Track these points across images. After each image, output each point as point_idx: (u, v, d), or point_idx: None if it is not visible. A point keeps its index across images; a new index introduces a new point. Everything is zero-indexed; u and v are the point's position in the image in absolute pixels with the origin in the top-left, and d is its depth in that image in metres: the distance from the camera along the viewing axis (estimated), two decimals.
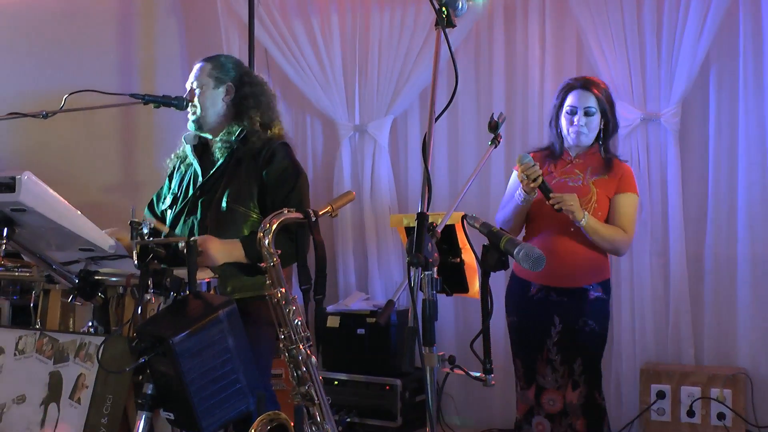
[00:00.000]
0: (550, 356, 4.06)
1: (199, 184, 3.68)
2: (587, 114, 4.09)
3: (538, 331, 4.10)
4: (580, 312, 4.05)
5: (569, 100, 4.14)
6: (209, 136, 3.75)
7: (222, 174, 3.63)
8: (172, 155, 3.89)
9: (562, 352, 4.05)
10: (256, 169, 3.62)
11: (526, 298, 4.15)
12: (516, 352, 4.22)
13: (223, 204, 3.57)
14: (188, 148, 3.78)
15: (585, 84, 4.15)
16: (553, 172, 4.14)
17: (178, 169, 3.84)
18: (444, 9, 2.54)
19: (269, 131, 3.73)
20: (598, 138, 4.15)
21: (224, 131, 3.68)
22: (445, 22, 2.54)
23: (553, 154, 4.21)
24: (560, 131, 4.18)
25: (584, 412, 4.04)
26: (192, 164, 3.76)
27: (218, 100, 3.73)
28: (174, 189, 3.80)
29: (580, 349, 4.05)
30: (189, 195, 3.69)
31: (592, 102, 4.09)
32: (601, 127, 4.12)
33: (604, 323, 4.12)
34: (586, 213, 3.97)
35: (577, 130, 4.10)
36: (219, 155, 3.66)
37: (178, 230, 3.65)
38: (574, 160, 4.16)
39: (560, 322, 4.05)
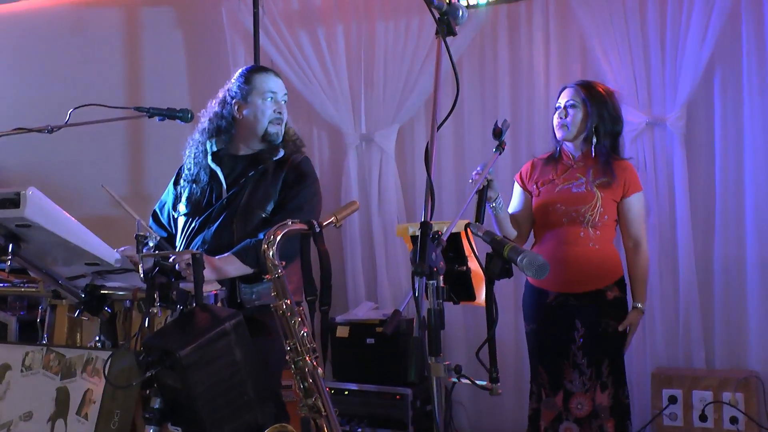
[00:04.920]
0: (577, 360, 4.04)
1: (224, 192, 3.69)
2: (567, 107, 4.13)
3: (561, 337, 4.09)
4: (601, 314, 4.04)
5: (559, 99, 4.22)
6: (242, 144, 3.79)
7: (249, 182, 3.67)
8: (186, 164, 3.88)
9: (588, 355, 4.03)
10: (279, 177, 3.68)
11: (545, 306, 4.15)
12: (539, 360, 4.20)
13: (249, 211, 3.61)
14: (209, 157, 3.78)
15: (575, 82, 4.23)
16: (555, 179, 4.16)
17: (192, 176, 3.82)
18: (444, 17, 2.53)
19: (294, 144, 3.83)
20: (591, 138, 4.13)
21: (264, 142, 3.77)
22: (445, 31, 2.54)
23: (552, 157, 4.23)
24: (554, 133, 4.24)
25: (612, 412, 4.03)
26: (212, 173, 3.77)
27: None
28: (193, 196, 3.78)
29: (606, 350, 4.05)
30: (216, 203, 3.70)
31: (573, 96, 4.14)
32: (592, 126, 4.11)
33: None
34: (641, 305, 4.12)
35: (559, 123, 4.15)
36: (247, 162, 3.72)
37: (200, 238, 3.66)
38: (575, 163, 4.17)
39: (582, 326, 4.04)
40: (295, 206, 3.60)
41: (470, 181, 3.95)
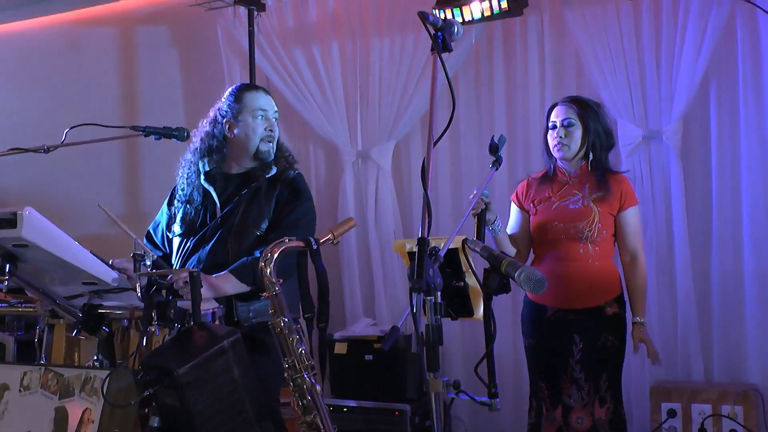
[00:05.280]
0: (575, 375, 4.03)
1: (218, 211, 3.69)
2: (566, 126, 4.09)
3: (559, 351, 4.07)
4: (600, 329, 4.02)
5: (552, 117, 4.18)
6: (254, 165, 3.77)
7: (243, 200, 3.67)
8: (180, 184, 3.87)
9: (586, 370, 4.01)
10: (273, 194, 3.67)
11: (543, 321, 4.14)
12: (538, 374, 4.19)
13: (244, 228, 3.61)
14: (202, 177, 3.78)
15: (566, 99, 4.20)
16: (552, 197, 4.14)
17: (185, 197, 3.82)
18: (439, 34, 2.53)
19: (286, 160, 3.82)
20: (588, 154, 4.13)
21: (256, 159, 3.75)
22: (440, 47, 2.54)
23: (547, 176, 4.22)
24: (549, 151, 4.20)
25: (612, 426, 4.00)
26: (205, 192, 3.76)
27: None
28: (187, 217, 3.78)
29: (604, 364, 4.02)
30: (210, 222, 3.69)
31: (571, 114, 4.10)
32: (590, 143, 4.10)
33: (623, 336, 4.09)
34: (640, 319, 4.10)
35: (558, 142, 4.11)
36: (240, 180, 3.71)
37: (195, 258, 3.66)
38: (570, 179, 4.15)
39: (581, 340, 4.02)
40: (289, 224, 3.60)
41: (470, 197, 3.97)
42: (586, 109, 4.12)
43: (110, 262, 3.24)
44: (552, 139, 4.15)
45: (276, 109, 3.82)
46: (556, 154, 4.15)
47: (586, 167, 4.14)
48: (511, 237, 4.27)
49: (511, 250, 4.23)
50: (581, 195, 4.09)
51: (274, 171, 3.74)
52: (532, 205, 4.22)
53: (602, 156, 4.14)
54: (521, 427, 5.61)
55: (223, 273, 3.44)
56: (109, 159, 6.98)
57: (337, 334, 5.70)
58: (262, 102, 3.76)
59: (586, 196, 4.08)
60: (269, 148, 3.74)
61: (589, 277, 4.04)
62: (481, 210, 3.94)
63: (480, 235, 3.88)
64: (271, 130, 3.74)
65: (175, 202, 3.86)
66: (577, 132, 4.10)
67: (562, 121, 4.11)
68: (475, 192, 3.82)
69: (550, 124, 4.18)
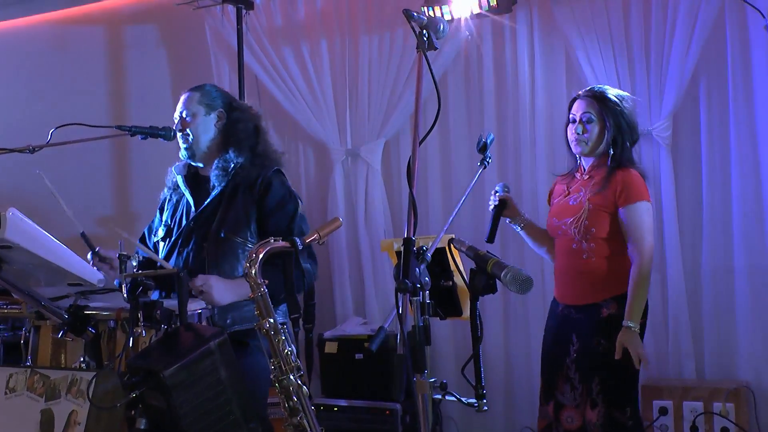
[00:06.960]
0: (569, 374, 3.95)
1: (192, 215, 3.66)
2: (584, 121, 3.97)
3: (558, 348, 4.02)
4: (593, 331, 3.90)
5: (572, 110, 4.07)
6: (201, 165, 3.73)
7: (218, 204, 3.62)
8: (165, 189, 3.87)
9: (581, 371, 3.93)
10: (252, 199, 3.60)
11: (554, 316, 4.12)
12: (541, 367, 4.15)
13: (221, 234, 3.56)
14: (179, 179, 3.76)
15: (587, 93, 4.06)
16: (564, 193, 4.10)
17: (169, 200, 3.82)
18: (425, 32, 2.52)
19: (264, 158, 3.74)
20: (608, 149, 3.99)
21: (220, 159, 3.68)
22: (426, 45, 2.52)
23: (570, 171, 4.18)
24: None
25: (604, 431, 3.90)
26: (184, 195, 3.75)
27: (210, 127, 3.73)
28: (167, 221, 3.78)
29: (596, 368, 3.90)
30: (183, 226, 3.66)
31: (590, 109, 3.97)
32: (610, 139, 3.95)
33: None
34: (630, 323, 3.79)
35: (575, 138, 3.99)
36: (216, 183, 3.65)
37: (172, 262, 3.62)
38: (584, 175, 4.06)
39: (577, 340, 3.95)
40: (280, 233, 3.52)
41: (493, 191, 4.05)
42: (606, 104, 3.97)
43: (96, 249, 3.24)
44: (570, 133, 4.03)
45: (185, 107, 3.75)
46: (574, 149, 4.04)
47: (603, 162, 4.00)
48: (545, 232, 4.24)
49: (542, 247, 4.26)
50: (584, 191, 3.99)
51: (242, 173, 3.66)
52: (553, 201, 4.20)
53: (624, 152, 3.98)
54: (513, 428, 5.62)
55: (239, 279, 3.34)
56: (98, 159, 6.95)
57: (328, 333, 5.68)
58: (180, 104, 3.76)
59: (588, 192, 3.97)
60: (183, 146, 3.72)
61: (582, 272, 3.96)
62: (495, 206, 3.92)
63: (492, 235, 3.86)
64: (181, 131, 3.70)
65: (164, 206, 3.86)
66: (596, 128, 3.96)
67: (581, 116, 3.99)
68: (497, 189, 3.84)
69: (570, 117, 4.06)
